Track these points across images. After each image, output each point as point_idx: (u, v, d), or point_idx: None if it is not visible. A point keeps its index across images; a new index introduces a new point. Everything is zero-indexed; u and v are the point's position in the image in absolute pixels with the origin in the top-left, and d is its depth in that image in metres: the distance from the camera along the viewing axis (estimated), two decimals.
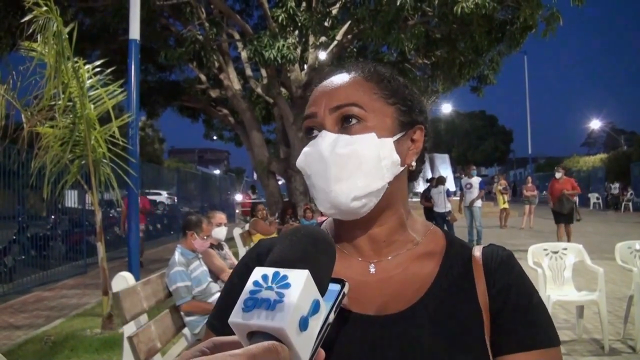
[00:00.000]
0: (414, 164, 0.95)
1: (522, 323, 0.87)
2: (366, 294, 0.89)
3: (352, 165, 0.86)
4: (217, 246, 5.42)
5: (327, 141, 0.88)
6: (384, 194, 0.89)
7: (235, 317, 0.53)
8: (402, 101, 0.93)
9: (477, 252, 0.94)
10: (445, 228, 9.94)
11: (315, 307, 0.55)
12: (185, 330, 4.31)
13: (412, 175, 0.98)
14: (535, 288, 0.93)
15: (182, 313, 4.19)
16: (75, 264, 11.26)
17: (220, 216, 5.56)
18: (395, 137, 0.90)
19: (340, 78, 0.94)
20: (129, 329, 3.42)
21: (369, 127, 0.88)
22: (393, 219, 0.93)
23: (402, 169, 0.92)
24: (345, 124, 0.89)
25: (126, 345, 3.36)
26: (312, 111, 0.93)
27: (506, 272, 0.91)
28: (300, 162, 0.92)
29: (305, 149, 0.91)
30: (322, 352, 0.58)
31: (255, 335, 0.52)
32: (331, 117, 0.90)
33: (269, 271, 0.56)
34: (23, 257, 9.81)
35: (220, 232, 5.43)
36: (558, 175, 12.02)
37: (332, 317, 0.60)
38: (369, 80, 0.93)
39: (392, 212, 0.93)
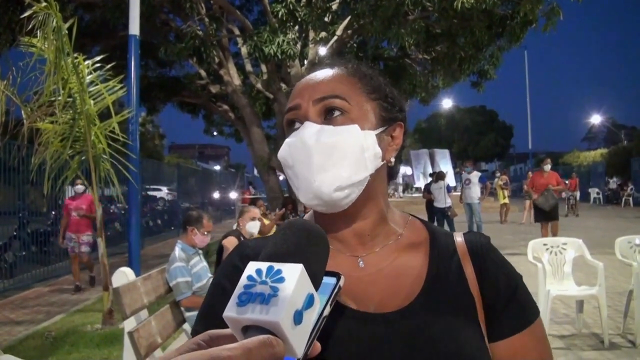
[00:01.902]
0: (392, 159, 0.96)
1: (514, 306, 0.92)
2: (361, 290, 0.89)
3: (336, 155, 0.87)
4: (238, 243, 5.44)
5: (311, 131, 0.88)
6: (366, 187, 0.90)
7: (230, 311, 0.54)
8: (384, 97, 0.96)
9: (459, 238, 0.98)
10: (446, 223, 9.94)
11: (310, 301, 0.55)
12: (186, 326, 4.32)
13: (391, 173, 1.00)
14: (513, 267, 0.98)
15: (182, 308, 4.20)
16: None
17: (255, 211, 5.66)
18: (377, 131, 0.92)
19: (324, 73, 0.95)
20: (129, 324, 3.43)
21: (352, 119, 0.90)
22: (375, 212, 0.94)
23: (382, 162, 0.93)
24: (328, 116, 0.90)
25: (127, 340, 3.37)
26: (295, 103, 0.93)
27: (492, 257, 0.96)
28: (283, 152, 0.92)
29: (289, 139, 0.91)
30: (317, 345, 0.58)
31: (249, 329, 0.53)
32: (315, 108, 0.91)
33: (263, 266, 0.56)
34: (24, 253, 9.82)
35: (253, 226, 5.50)
36: (547, 168, 11.23)
37: (327, 310, 0.60)
38: (351, 75, 0.95)
39: (373, 206, 0.94)
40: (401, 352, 0.83)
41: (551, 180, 11.00)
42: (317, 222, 0.98)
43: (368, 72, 0.97)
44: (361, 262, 0.93)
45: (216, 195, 27.80)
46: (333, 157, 0.87)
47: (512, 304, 0.92)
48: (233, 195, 25.17)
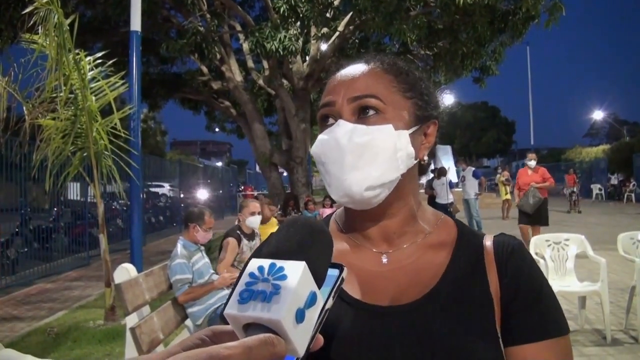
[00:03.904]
0: (426, 158, 0.97)
1: (533, 312, 0.88)
2: (379, 284, 0.90)
3: (368, 154, 0.87)
4: (250, 235, 5.43)
5: (344, 129, 0.88)
6: (396, 186, 0.90)
7: (231, 309, 0.53)
8: (419, 95, 0.95)
9: (488, 241, 0.95)
10: None
11: (312, 299, 0.54)
12: (188, 322, 4.33)
13: (421, 169, 1.00)
14: (546, 277, 0.93)
15: (184, 304, 4.21)
16: (78, 256, 11.29)
17: (255, 205, 5.58)
18: (411, 130, 0.92)
19: (359, 68, 0.94)
20: (131, 321, 3.43)
21: (387, 118, 0.89)
22: (404, 210, 0.94)
23: (415, 162, 0.93)
24: (362, 115, 0.90)
25: (129, 336, 3.37)
26: (329, 99, 0.93)
27: (517, 260, 0.92)
28: (316, 148, 0.92)
29: (321, 136, 0.92)
30: (320, 339, 0.57)
31: (251, 327, 0.52)
32: (349, 107, 0.91)
33: (265, 263, 0.55)
34: (26, 249, 9.84)
35: (254, 221, 5.45)
36: (532, 164, 9.72)
37: (330, 303, 0.59)
38: (387, 72, 0.94)
39: (403, 204, 0.94)
40: (404, 344, 0.83)
41: (536, 177, 9.62)
42: (347, 218, 1.00)
43: (404, 68, 0.96)
44: (384, 259, 0.94)
45: (218, 191, 27.80)
46: (365, 156, 0.87)
47: (532, 308, 0.88)
48: (203, 195, 23.60)
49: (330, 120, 0.92)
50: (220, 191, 28.31)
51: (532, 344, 0.86)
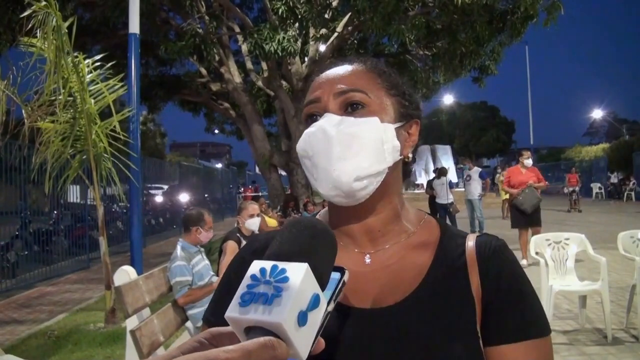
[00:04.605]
0: (410, 155, 0.97)
1: (514, 313, 0.87)
2: (362, 285, 0.90)
3: (356, 145, 0.87)
4: (249, 237, 5.43)
5: (332, 121, 0.89)
6: (382, 182, 0.90)
7: (232, 311, 0.52)
8: (402, 94, 0.96)
9: (471, 241, 0.95)
10: (448, 219, 9.91)
11: (315, 302, 0.54)
12: (188, 324, 4.32)
13: (405, 171, 1.00)
14: (528, 278, 0.93)
15: (184, 307, 4.21)
16: (78, 258, 11.27)
17: (254, 207, 5.59)
18: (396, 125, 0.92)
19: (343, 68, 0.96)
20: (131, 323, 3.43)
21: (372, 111, 0.90)
22: (388, 208, 0.94)
23: (400, 157, 0.93)
24: (349, 109, 0.91)
25: (129, 339, 3.37)
26: (315, 96, 0.93)
27: (499, 261, 0.92)
28: (302, 142, 0.91)
29: (308, 130, 0.91)
30: (321, 341, 0.57)
31: (252, 330, 0.51)
32: (335, 101, 0.91)
33: (267, 265, 0.55)
34: (26, 252, 9.81)
35: (253, 224, 5.46)
36: (528, 162, 9.31)
37: (331, 306, 0.59)
38: (371, 71, 0.95)
39: (387, 202, 0.94)
40: (386, 348, 0.83)
41: (531, 177, 9.14)
42: (331, 217, 0.99)
43: (386, 69, 0.98)
44: (368, 259, 0.93)
45: (217, 193, 27.78)
46: (353, 147, 0.87)
47: (512, 308, 0.87)
48: (184, 197, 20.73)
49: (316, 117, 0.92)
50: (220, 193, 28.30)
51: (512, 344, 0.85)
